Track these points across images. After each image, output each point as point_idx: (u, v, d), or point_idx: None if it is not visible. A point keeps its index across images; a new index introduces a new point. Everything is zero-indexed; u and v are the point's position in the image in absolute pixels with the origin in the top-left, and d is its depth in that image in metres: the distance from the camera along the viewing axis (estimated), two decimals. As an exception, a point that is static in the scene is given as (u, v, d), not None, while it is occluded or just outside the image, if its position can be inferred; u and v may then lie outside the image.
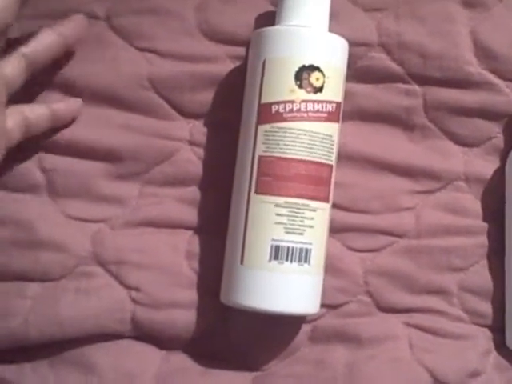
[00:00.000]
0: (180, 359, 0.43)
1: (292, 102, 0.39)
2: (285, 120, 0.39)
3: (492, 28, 0.46)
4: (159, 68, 0.44)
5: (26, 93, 0.41)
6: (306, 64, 0.39)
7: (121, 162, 0.44)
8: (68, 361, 0.42)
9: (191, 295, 0.43)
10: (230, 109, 0.44)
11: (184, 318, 0.43)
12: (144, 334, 0.43)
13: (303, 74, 0.39)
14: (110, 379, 0.41)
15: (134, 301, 0.43)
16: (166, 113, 0.44)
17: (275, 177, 0.39)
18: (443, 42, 0.45)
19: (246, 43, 0.44)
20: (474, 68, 0.45)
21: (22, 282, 0.42)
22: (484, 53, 0.46)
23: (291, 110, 0.39)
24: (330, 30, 0.42)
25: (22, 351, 0.42)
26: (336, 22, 0.44)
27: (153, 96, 0.44)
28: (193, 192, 0.44)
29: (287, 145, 0.39)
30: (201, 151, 0.45)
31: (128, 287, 0.43)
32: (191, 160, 0.44)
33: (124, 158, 0.43)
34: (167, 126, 0.44)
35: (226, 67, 0.45)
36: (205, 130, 0.45)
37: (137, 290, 0.43)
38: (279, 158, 0.39)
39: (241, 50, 0.45)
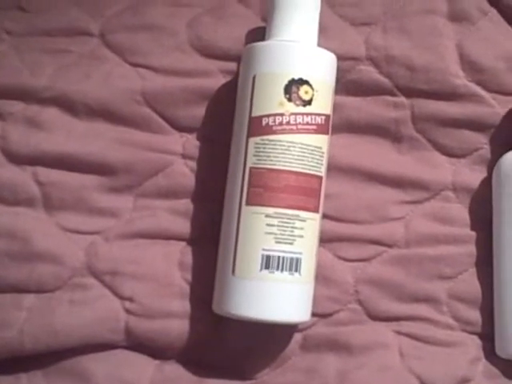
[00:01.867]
0: (173, 369, 0.43)
1: (281, 114, 0.40)
2: (275, 132, 0.40)
3: (478, 41, 0.47)
4: (152, 83, 0.45)
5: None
6: (295, 78, 0.40)
7: (114, 175, 0.44)
8: (63, 371, 0.42)
9: (184, 305, 0.43)
10: (223, 122, 0.45)
11: (177, 328, 0.43)
12: (138, 343, 0.43)
13: (292, 87, 0.40)
14: (105, 389, 0.42)
15: (128, 311, 0.43)
16: (159, 127, 0.45)
17: (266, 188, 0.40)
18: (430, 55, 0.46)
19: (238, 58, 0.45)
20: (461, 80, 0.46)
21: (18, 293, 0.42)
22: (470, 65, 0.46)
23: (281, 123, 0.40)
24: (319, 45, 0.43)
25: (18, 362, 0.42)
26: (325, 36, 0.45)
27: (146, 110, 0.45)
28: (186, 204, 0.45)
29: (277, 157, 0.40)
30: (193, 164, 0.45)
31: (122, 298, 0.43)
32: (184, 173, 0.45)
33: (118, 171, 0.44)
34: (160, 139, 0.45)
35: (218, 82, 0.45)
36: (197, 143, 0.45)
37: (130, 300, 0.43)
38: (270, 170, 0.40)
39: (232, 65, 0.45)
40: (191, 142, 0.45)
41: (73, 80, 0.44)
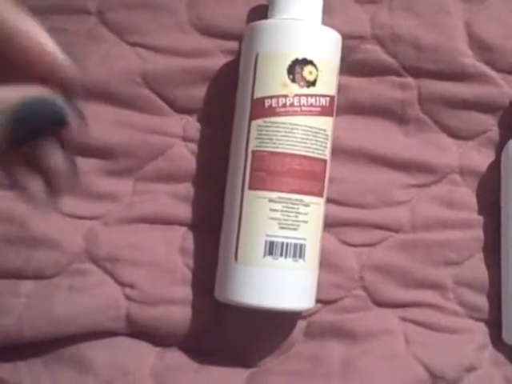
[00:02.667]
0: (175, 356, 0.43)
1: (285, 96, 0.39)
2: (278, 114, 0.39)
3: (487, 20, 0.46)
4: (151, 63, 0.44)
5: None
6: (299, 58, 0.39)
7: (114, 159, 0.43)
8: (62, 358, 0.42)
9: (186, 292, 0.43)
10: (224, 104, 0.44)
11: (178, 315, 0.42)
12: (138, 331, 0.42)
13: (296, 67, 0.39)
14: (105, 376, 0.41)
15: (128, 298, 0.42)
16: (158, 108, 0.44)
17: (268, 172, 0.39)
18: (437, 34, 0.45)
19: (239, 37, 0.44)
20: (469, 60, 0.45)
21: (16, 279, 0.42)
22: (479, 45, 0.45)
23: (284, 105, 0.39)
24: (323, 23, 0.42)
25: (16, 349, 0.42)
26: (329, 15, 0.44)
27: (145, 92, 0.44)
28: (186, 188, 0.44)
29: (280, 139, 0.39)
30: (194, 147, 0.44)
31: (122, 284, 0.43)
32: (185, 156, 0.44)
33: (117, 155, 0.43)
34: (160, 121, 0.44)
35: (219, 62, 0.44)
36: (198, 125, 0.44)
37: (131, 286, 0.42)
38: (272, 153, 0.39)
39: (234, 45, 0.44)
40: (192, 124, 0.44)
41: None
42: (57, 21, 0.44)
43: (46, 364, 0.42)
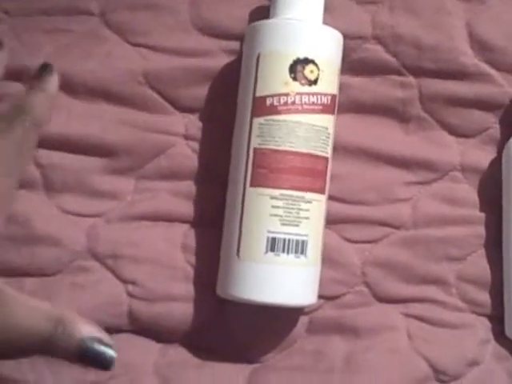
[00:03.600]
0: (177, 352, 0.43)
1: (286, 94, 0.39)
2: (279, 113, 0.39)
3: (487, 19, 0.46)
4: (154, 63, 0.44)
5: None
6: (301, 57, 0.39)
7: (116, 157, 0.43)
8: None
9: (188, 288, 0.43)
10: (225, 103, 0.44)
11: (181, 311, 0.43)
12: (141, 327, 0.43)
13: (297, 66, 0.39)
14: (108, 373, 0.41)
15: (131, 295, 0.42)
16: (160, 107, 0.44)
17: (270, 169, 0.39)
18: (438, 34, 0.45)
19: (241, 37, 0.44)
20: (470, 59, 0.45)
21: (19, 277, 0.42)
22: (479, 45, 0.46)
23: (286, 103, 0.39)
24: (325, 23, 0.42)
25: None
26: (330, 14, 0.44)
27: (147, 91, 0.44)
28: (188, 186, 0.44)
29: (282, 137, 0.39)
30: (196, 145, 0.45)
31: (124, 281, 0.43)
32: (186, 154, 0.44)
33: (119, 153, 0.43)
34: (162, 120, 0.44)
35: (220, 61, 0.45)
36: (200, 124, 0.45)
37: (133, 283, 0.43)
38: (274, 151, 0.39)
39: (235, 45, 0.44)
40: (193, 123, 0.45)
41: (72, 60, 0.44)
42: (60, 22, 0.44)
43: (49, 361, 0.42)
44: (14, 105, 0.33)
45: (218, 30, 0.45)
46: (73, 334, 0.28)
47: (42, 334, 0.28)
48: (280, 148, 0.39)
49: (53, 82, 0.34)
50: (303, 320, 0.44)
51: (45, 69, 0.34)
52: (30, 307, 0.29)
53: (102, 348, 0.29)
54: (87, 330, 0.29)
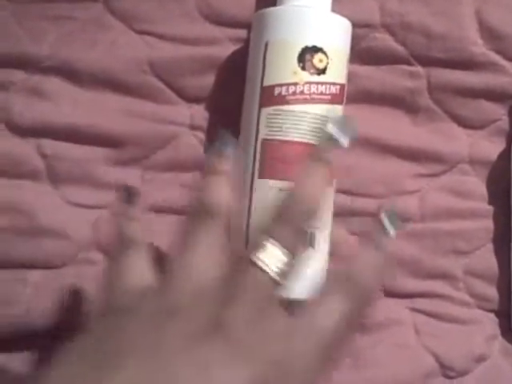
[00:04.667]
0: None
1: (295, 84, 0.38)
2: (288, 102, 0.38)
3: (498, 8, 0.45)
4: (159, 51, 0.43)
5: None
6: (309, 45, 0.38)
7: (121, 148, 0.43)
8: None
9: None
10: (232, 92, 0.43)
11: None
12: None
13: (306, 55, 0.38)
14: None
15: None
16: (166, 97, 0.44)
17: (278, 160, 0.38)
18: (447, 23, 0.45)
19: (247, 25, 0.43)
20: (479, 48, 0.45)
21: (24, 269, 0.42)
22: (489, 33, 0.45)
23: (294, 93, 0.38)
24: (333, 11, 0.41)
25: (25, 339, 0.41)
26: (338, 2, 0.43)
27: (153, 80, 0.43)
28: (195, 176, 0.44)
29: (290, 128, 0.38)
30: (202, 135, 0.44)
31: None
32: (192, 144, 0.44)
33: (124, 144, 0.43)
34: (168, 110, 0.44)
35: (227, 50, 0.44)
36: (206, 114, 0.44)
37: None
38: (282, 142, 0.38)
39: (242, 33, 0.44)
40: (200, 113, 0.44)
41: (76, 48, 0.43)
42: (64, 9, 0.43)
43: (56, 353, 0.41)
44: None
45: (224, 17, 0.44)
46: None
47: None
48: (288, 139, 0.38)
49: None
50: (310, 314, 0.44)
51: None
52: None
53: None
54: None
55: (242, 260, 0.28)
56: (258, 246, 0.28)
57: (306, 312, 0.29)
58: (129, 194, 0.33)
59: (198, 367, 0.25)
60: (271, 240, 0.28)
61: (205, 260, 0.29)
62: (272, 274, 0.28)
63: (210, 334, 0.26)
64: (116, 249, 0.31)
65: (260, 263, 0.28)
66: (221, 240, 0.30)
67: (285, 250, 0.28)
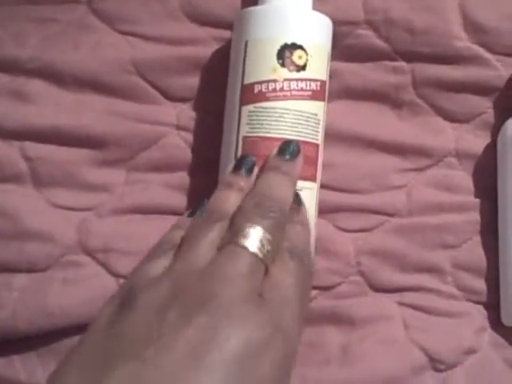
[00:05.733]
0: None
1: (275, 81, 0.38)
2: (268, 99, 0.38)
3: (481, 1, 0.45)
4: (143, 52, 0.44)
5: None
6: (288, 42, 0.38)
7: (106, 149, 0.43)
8: (58, 352, 0.41)
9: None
10: (217, 92, 0.43)
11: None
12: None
13: (285, 52, 0.38)
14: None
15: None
16: (151, 97, 0.44)
17: (260, 157, 0.38)
18: (431, 17, 0.44)
19: (231, 25, 0.43)
20: (463, 42, 0.45)
21: (8, 273, 0.42)
22: (473, 27, 0.45)
23: (274, 89, 0.38)
24: (315, 9, 0.41)
25: (11, 344, 0.41)
26: (321, 1, 0.43)
27: (137, 80, 0.44)
28: (180, 177, 0.44)
29: (271, 124, 0.38)
30: (188, 135, 0.44)
31: (116, 275, 0.42)
32: (178, 145, 0.44)
33: (109, 145, 0.43)
34: (153, 110, 0.44)
35: (211, 50, 0.44)
36: (192, 113, 0.44)
37: (125, 278, 0.42)
38: (263, 138, 0.38)
39: (226, 33, 0.44)
40: (185, 113, 0.44)
41: (59, 50, 0.43)
42: (47, 10, 0.43)
43: (41, 358, 0.41)
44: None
45: (208, 17, 0.44)
46: None
47: None
48: (269, 135, 0.38)
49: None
50: (297, 310, 0.43)
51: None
52: None
53: None
54: None
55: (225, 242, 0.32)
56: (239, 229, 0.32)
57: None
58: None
59: (202, 333, 0.27)
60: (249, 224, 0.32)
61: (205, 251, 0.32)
62: (253, 250, 0.31)
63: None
64: None
65: (241, 242, 0.31)
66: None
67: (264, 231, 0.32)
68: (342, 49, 0.44)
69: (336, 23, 0.42)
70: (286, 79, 0.38)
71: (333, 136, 0.44)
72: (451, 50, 0.45)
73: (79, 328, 0.41)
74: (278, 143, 0.38)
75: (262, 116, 0.38)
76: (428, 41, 0.44)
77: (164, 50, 0.44)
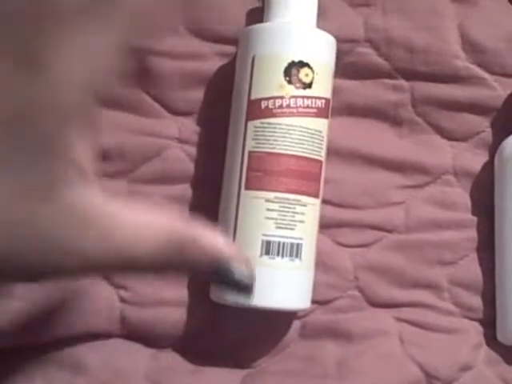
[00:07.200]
0: (170, 357, 0.42)
1: (281, 97, 0.39)
2: (274, 115, 0.39)
3: (480, 22, 0.46)
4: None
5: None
6: (295, 60, 0.39)
7: (108, 160, 0.43)
8: (56, 361, 0.41)
9: (180, 293, 0.42)
10: (219, 106, 0.44)
11: (173, 316, 0.42)
12: (133, 332, 0.42)
13: (292, 69, 0.39)
14: (99, 378, 0.41)
15: (122, 299, 0.42)
16: (154, 111, 0.44)
17: (265, 172, 0.39)
18: (430, 37, 0.45)
19: (234, 41, 0.44)
20: (462, 62, 0.45)
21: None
22: (472, 47, 0.46)
23: (281, 106, 0.39)
24: (318, 27, 0.42)
25: (10, 352, 0.41)
26: (323, 18, 0.44)
27: (140, 94, 0.44)
28: (182, 190, 0.44)
29: (277, 140, 0.39)
30: (190, 149, 0.44)
31: (116, 286, 0.42)
32: (180, 158, 0.44)
33: (111, 157, 0.43)
34: (156, 123, 0.44)
35: (214, 65, 0.44)
36: (194, 127, 0.44)
37: (125, 288, 0.42)
38: (269, 154, 0.39)
39: (228, 48, 0.44)
40: (187, 126, 0.44)
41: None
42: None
43: (40, 366, 0.41)
44: None
45: (211, 33, 0.44)
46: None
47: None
48: (275, 151, 0.39)
49: None
50: (296, 325, 0.44)
51: None
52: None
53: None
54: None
55: None
56: None
57: None
58: None
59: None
60: None
61: None
62: None
63: None
64: None
65: None
66: None
67: None
68: (343, 66, 0.45)
69: (337, 41, 0.42)
70: (292, 96, 0.39)
71: (333, 152, 0.44)
72: (450, 70, 0.45)
73: (78, 337, 0.41)
74: (284, 160, 0.38)
75: (269, 132, 0.39)
76: (427, 60, 0.45)
77: (167, 65, 0.44)
